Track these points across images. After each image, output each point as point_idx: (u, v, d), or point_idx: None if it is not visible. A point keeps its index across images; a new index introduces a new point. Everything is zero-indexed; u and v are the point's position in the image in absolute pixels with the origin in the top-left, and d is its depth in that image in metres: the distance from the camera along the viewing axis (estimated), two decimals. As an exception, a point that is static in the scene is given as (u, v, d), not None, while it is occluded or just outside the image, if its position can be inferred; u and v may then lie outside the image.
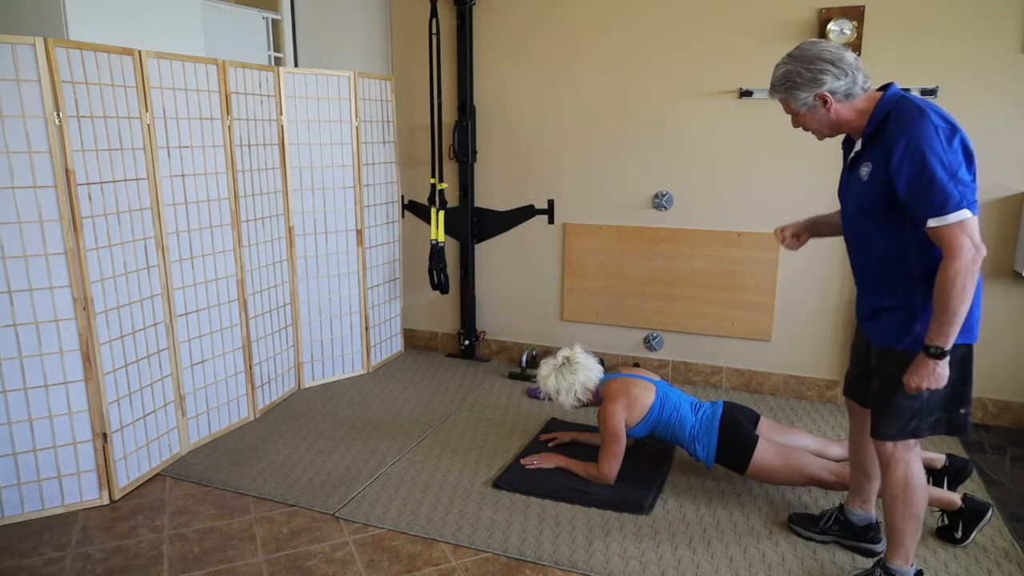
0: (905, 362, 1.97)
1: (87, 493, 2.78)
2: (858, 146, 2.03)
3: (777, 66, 2.02)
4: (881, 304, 2.07)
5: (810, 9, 3.45)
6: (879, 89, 1.99)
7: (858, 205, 2.05)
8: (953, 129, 1.85)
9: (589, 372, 2.93)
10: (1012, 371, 3.46)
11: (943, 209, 1.80)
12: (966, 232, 1.79)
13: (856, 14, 3.35)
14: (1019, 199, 3.31)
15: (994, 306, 3.36)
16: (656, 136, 3.85)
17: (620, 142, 3.94)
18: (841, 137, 2.17)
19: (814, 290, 3.70)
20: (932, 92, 3.31)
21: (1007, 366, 3.45)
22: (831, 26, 3.37)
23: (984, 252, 1.82)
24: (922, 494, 2.09)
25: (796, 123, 2.08)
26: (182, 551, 2.50)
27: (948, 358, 1.87)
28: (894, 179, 1.87)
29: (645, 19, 3.77)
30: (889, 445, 2.08)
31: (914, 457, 2.09)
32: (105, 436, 2.78)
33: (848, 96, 1.95)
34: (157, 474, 3.04)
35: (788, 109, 2.05)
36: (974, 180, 1.85)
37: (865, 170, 1.98)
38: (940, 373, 1.89)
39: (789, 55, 2.00)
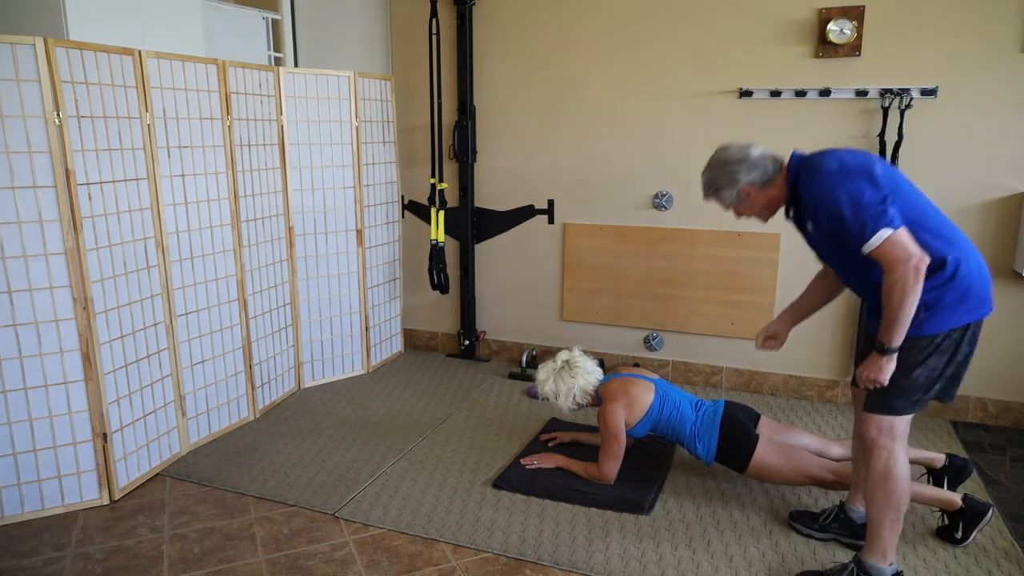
0: (909, 348, 2.06)
1: (87, 493, 2.78)
2: (792, 210, 2.24)
3: (701, 175, 2.30)
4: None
5: (810, 9, 3.45)
6: (789, 161, 2.21)
7: (824, 251, 2.25)
8: (852, 168, 2.03)
9: (588, 376, 2.93)
10: (1012, 371, 3.46)
11: (863, 235, 1.98)
12: (895, 246, 1.95)
13: (856, 14, 3.35)
14: (1019, 199, 3.31)
15: (994, 306, 3.35)
16: (656, 136, 3.85)
17: (620, 142, 3.94)
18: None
19: (814, 290, 3.70)
20: (932, 92, 3.31)
21: (1007, 366, 3.45)
22: (831, 26, 3.37)
23: (919, 259, 1.94)
24: (902, 486, 2.12)
25: (737, 215, 2.33)
26: (182, 551, 2.50)
27: (895, 355, 2.04)
28: (827, 225, 2.08)
29: (645, 19, 3.77)
30: (874, 429, 2.14)
31: (898, 448, 2.13)
32: (105, 436, 2.78)
33: (765, 183, 2.20)
34: (157, 474, 3.04)
35: (722, 206, 2.31)
36: (885, 200, 1.98)
37: (809, 226, 2.17)
38: (886, 368, 2.06)
39: (707, 165, 2.28)
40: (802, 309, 2.54)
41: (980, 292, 2.05)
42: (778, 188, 2.21)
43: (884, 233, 1.95)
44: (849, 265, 2.17)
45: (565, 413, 3.03)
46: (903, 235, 1.96)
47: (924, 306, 2.03)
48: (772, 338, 2.56)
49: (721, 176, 2.23)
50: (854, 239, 2.00)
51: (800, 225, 2.24)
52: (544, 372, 2.99)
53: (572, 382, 2.91)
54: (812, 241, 2.25)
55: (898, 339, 2.02)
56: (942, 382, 2.11)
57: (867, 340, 2.29)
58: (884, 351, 2.04)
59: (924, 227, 2.03)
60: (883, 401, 2.13)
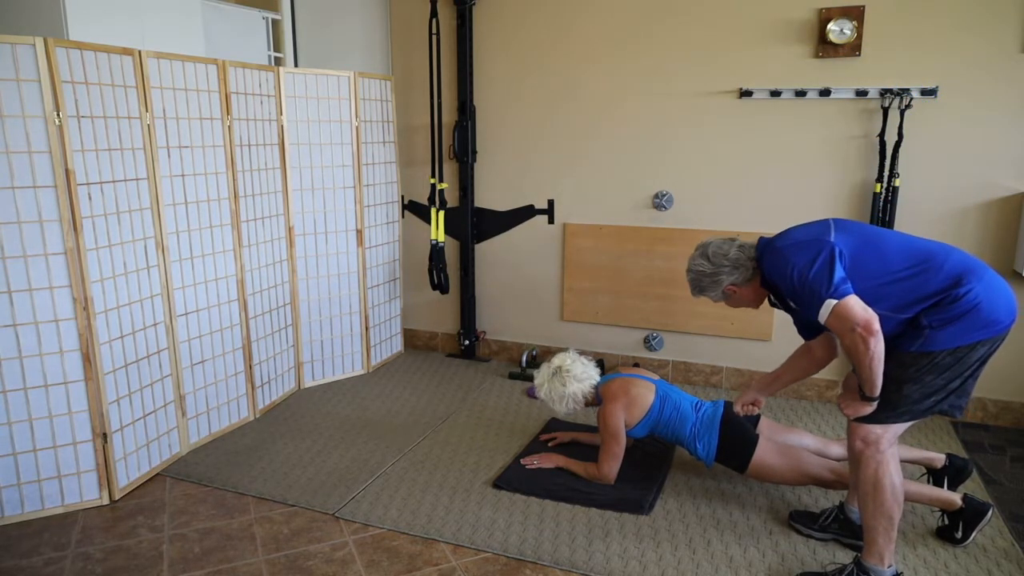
0: (906, 361, 2.08)
1: (87, 493, 2.78)
2: (771, 296, 2.38)
3: (686, 274, 2.44)
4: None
5: (810, 9, 3.45)
6: (756, 250, 2.33)
7: (812, 321, 2.25)
8: (795, 242, 2.16)
9: (582, 383, 2.92)
10: (1012, 371, 3.46)
11: (813, 307, 2.08)
12: (840, 315, 2.03)
13: (856, 14, 3.35)
14: (1019, 199, 3.31)
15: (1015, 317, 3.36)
16: (656, 136, 3.85)
17: (620, 142, 3.94)
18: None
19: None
20: (932, 92, 3.31)
21: (1007, 366, 3.45)
22: (831, 26, 3.37)
23: (870, 324, 1.99)
24: (893, 495, 2.13)
25: (729, 305, 2.45)
26: (182, 551, 2.50)
27: (875, 402, 2.12)
28: (792, 300, 2.21)
29: (645, 19, 3.76)
30: (860, 442, 2.16)
31: (887, 459, 2.14)
32: (105, 436, 2.78)
33: (747, 279, 2.33)
34: (157, 474, 3.03)
35: (714, 301, 2.45)
36: (832, 272, 2.05)
37: (791, 301, 2.26)
38: (863, 410, 2.15)
39: (689, 265, 2.42)
40: (781, 382, 2.61)
41: (992, 309, 2.03)
42: (757, 279, 2.33)
43: (829, 304, 2.03)
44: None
45: (562, 415, 3.03)
46: (849, 303, 2.02)
47: (928, 325, 2.04)
48: (752, 404, 2.67)
49: (704, 278, 2.37)
50: (812, 309, 2.09)
51: (784, 306, 2.34)
52: (540, 377, 3.00)
53: (563, 389, 2.91)
54: (795, 315, 2.36)
55: (876, 391, 2.09)
56: (944, 395, 2.10)
57: None
58: (865, 399, 2.13)
59: (906, 271, 2.07)
60: (873, 413, 2.14)
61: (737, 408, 2.68)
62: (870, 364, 2.03)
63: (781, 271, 2.17)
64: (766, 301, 2.43)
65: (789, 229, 2.27)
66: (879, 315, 2.03)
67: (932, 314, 2.04)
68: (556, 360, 3.00)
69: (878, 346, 2.01)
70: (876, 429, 2.13)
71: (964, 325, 2.03)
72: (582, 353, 3.42)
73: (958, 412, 2.16)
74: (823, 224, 2.20)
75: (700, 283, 2.39)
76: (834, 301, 2.02)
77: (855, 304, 2.02)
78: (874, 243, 2.14)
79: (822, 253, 2.08)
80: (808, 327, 2.44)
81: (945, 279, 2.05)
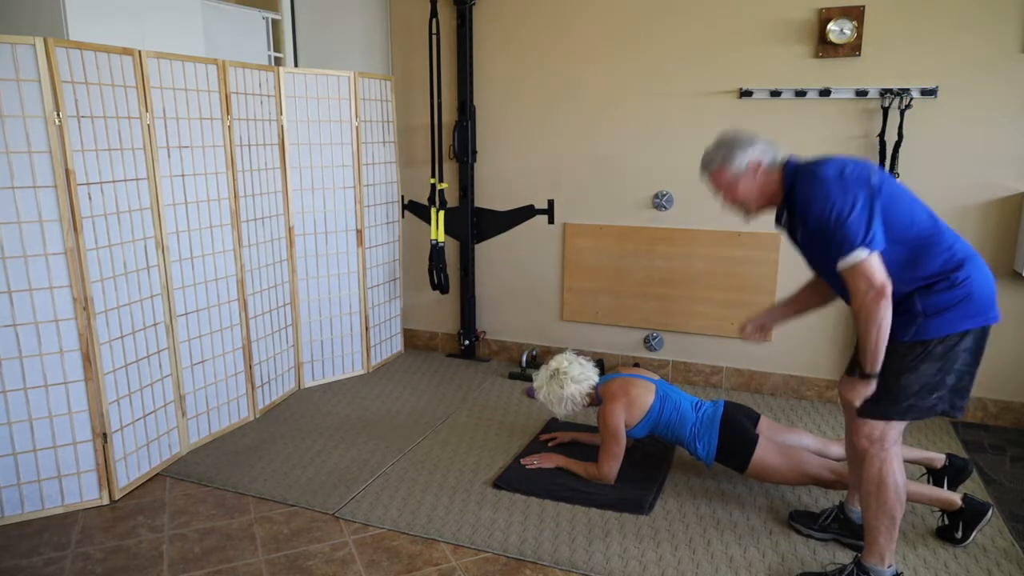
0: (901, 351, 2.06)
1: (87, 493, 2.78)
2: (784, 213, 2.20)
3: (706, 151, 2.23)
4: None
5: (810, 9, 3.45)
6: (781, 165, 2.18)
7: (816, 260, 2.22)
8: (849, 179, 2.01)
9: (579, 384, 2.91)
10: (1012, 371, 3.46)
11: (841, 251, 1.98)
12: (860, 275, 1.96)
13: (856, 14, 3.35)
14: (1019, 199, 3.31)
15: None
16: (656, 136, 3.85)
17: (620, 142, 3.94)
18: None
19: (814, 290, 3.70)
20: (932, 92, 3.31)
21: (1007, 366, 3.45)
22: (831, 26, 3.37)
23: (884, 291, 1.95)
24: (896, 494, 2.12)
25: (727, 197, 2.22)
26: (182, 551, 2.50)
27: (874, 380, 2.07)
28: (811, 231, 2.07)
29: (645, 19, 3.77)
30: (864, 440, 2.14)
31: (891, 457, 2.13)
32: (105, 436, 2.78)
33: (771, 167, 2.16)
34: (157, 474, 3.03)
35: (720, 183, 2.21)
36: (871, 220, 1.97)
37: (799, 232, 2.16)
38: (863, 391, 2.11)
39: (714, 142, 2.22)
40: (794, 308, 2.53)
41: (982, 299, 2.03)
42: (776, 185, 2.17)
43: (859, 254, 1.96)
44: (837, 276, 2.13)
45: (562, 418, 3.03)
46: (874, 261, 1.96)
47: (923, 312, 2.02)
48: (760, 329, 2.55)
49: (734, 146, 2.16)
50: (833, 252, 2.01)
51: (790, 231, 2.23)
52: (539, 380, 3.01)
53: (561, 392, 2.91)
54: (802, 248, 2.23)
55: (874, 366, 2.04)
56: (943, 392, 2.09)
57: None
58: (864, 376, 2.08)
59: (922, 236, 2.03)
60: (872, 407, 2.13)
61: (746, 330, 2.53)
62: (877, 332, 1.98)
63: (817, 202, 2.01)
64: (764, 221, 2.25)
65: (832, 156, 2.12)
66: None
67: (927, 298, 2.02)
68: (553, 362, 3.00)
69: (888, 313, 1.96)
70: (879, 425, 2.12)
71: (956, 313, 2.02)
72: (582, 353, 3.42)
73: (959, 412, 2.15)
74: (866, 165, 2.07)
75: (728, 148, 2.16)
76: (864, 253, 1.95)
77: (879, 264, 1.96)
78: (906, 197, 2.07)
79: (863, 198, 1.98)
80: (815, 260, 2.26)
81: (949, 260, 2.02)
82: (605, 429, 2.79)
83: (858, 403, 2.12)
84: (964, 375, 2.10)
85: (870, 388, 2.09)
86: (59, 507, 2.75)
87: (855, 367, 2.34)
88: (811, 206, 2.03)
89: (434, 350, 4.69)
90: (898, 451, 2.15)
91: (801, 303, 2.51)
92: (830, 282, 2.23)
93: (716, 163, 2.19)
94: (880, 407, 2.12)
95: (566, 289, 4.20)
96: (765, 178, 2.16)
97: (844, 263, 1.98)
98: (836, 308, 3.66)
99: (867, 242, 1.96)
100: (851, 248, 1.96)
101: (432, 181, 4.21)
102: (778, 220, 2.26)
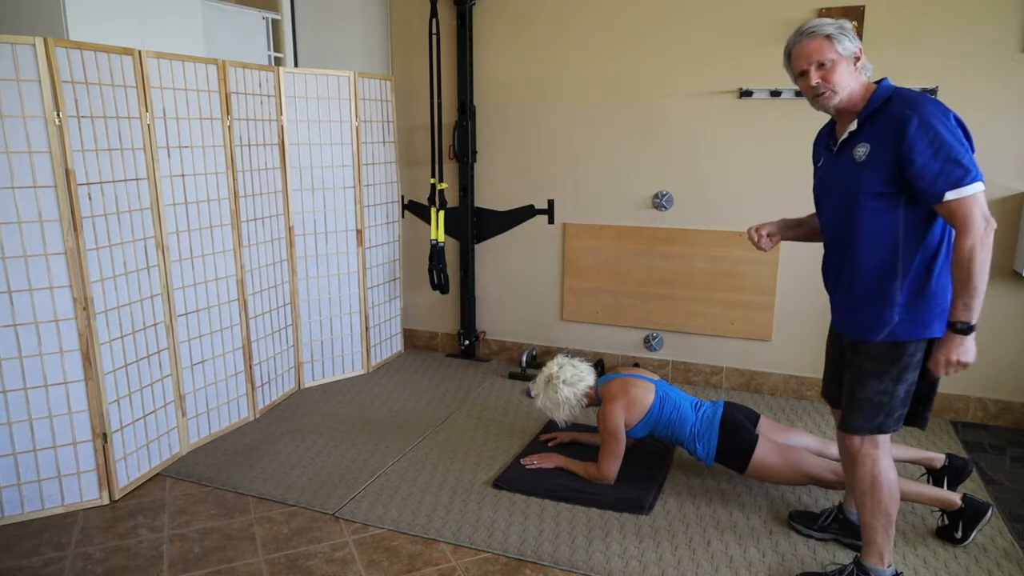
0: (877, 354, 2.02)
1: (87, 493, 2.78)
2: (853, 126, 2.03)
3: (819, 20, 2.05)
4: (860, 297, 2.06)
5: (810, 9, 3.45)
6: (873, 82, 2.05)
7: (847, 190, 2.04)
8: (950, 112, 1.91)
9: (574, 386, 2.91)
10: (1012, 371, 3.46)
11: (961, 182, 1.83)
12: (979, 205, 1.83)
13: (856, 14, 3.35)
14: (1019, 199, 3.31)
15: (994, 306, 3.36)
16: (656, 136, 3.85)
17: (620, 142, 3.94)
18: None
19: (814, 290, 3.69)
20: (932, 92, 3.31)
21: (1007, 366, 3.45)
22: (831, 26, 3.36)
23: (995, 225, 1.86)
24: (890, 491, 2.10)
25: (823, 75, 2.01)
26: (182, 551, 2.50)
27: (974, 333, 1.88)
28: (908, 154, 1.88)
29: (645, 19, 3.77)
30: (856, 440, 2.11)
31: (882, 455, 2.10)
32: (105, 436, 2.78)
33: (865, 69, 2.03)
34: (157, 474, 3.04)
35: (823, 54, 2.00)
36: (973, 155, 1.89)
37: (862, 151, 1.99)
38: (968, 348, 1.90)
39: (828, 19, 2.04)
40: (800, 230, 2.38)
41: (942, 301, 1.97)
42: (863, 90, 2.02)
43: (979, 186, 1.83)
44: (856, 213, 2.01)
45: (562, 422, 3.01)
46: (984, 197, 1.85)
47: (903, 303, 1.97)
48: (770, 236, 2.36)
49: (848, 30, 2.01)
50: (941, 182, 1.84)
51: (843, 148, 2.05)
52: (536, 388, 3.01)
53: (556, 397, 2.91)
54: (840, 173, 2.05)
55: (977, 312, 1.87)
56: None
57: (836, 343, 2.25)
58: (962, 329, 1.88)
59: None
60: (869, 421, 2.07)
61: (757, 233, 2.36)
62: (986, 269, 1.85)
63: (934, 122, 1.86)
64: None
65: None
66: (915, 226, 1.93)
67: (907, 288, 1.97)
68: (547, 368, 3.00)
69: (990, 253, 1.85)
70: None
71: (924, 310, 1.97)
72: (581, 353, 3.42)
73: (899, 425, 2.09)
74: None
75: (843, 26, 2.02)
76: (981, 186, 1.82)
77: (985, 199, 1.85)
78: None
79: (963, 132, 1.89)
80: (845, 198, 2.06)
81: (938, 239, 1.97)
82: (605, 429, 2.79)
83: (972, 360, 1.90)
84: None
85: (972, 344, 1.89)
86: (59, 507, 2.75)
87: (831, 385, 2.31)
88: (926, 128, 1.85)
89: (434, 350, 4.69)
90: (888, 449, 2.13)
91: (809, 226, 2.36)
92: (839, 222, 2.09)
93: (831, 30, 2.00)
94: (878, 420, 2.07)
95: (566, 289, 4.20)
96: (861, 77, 2.02)
97: (958, 193, 1.82)
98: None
99: (981, 177, 1.84)
100: (972, 179, 1.82)
101: (432, 181, 4.21)
102: (820, 140, 2.17)
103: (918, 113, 1.88)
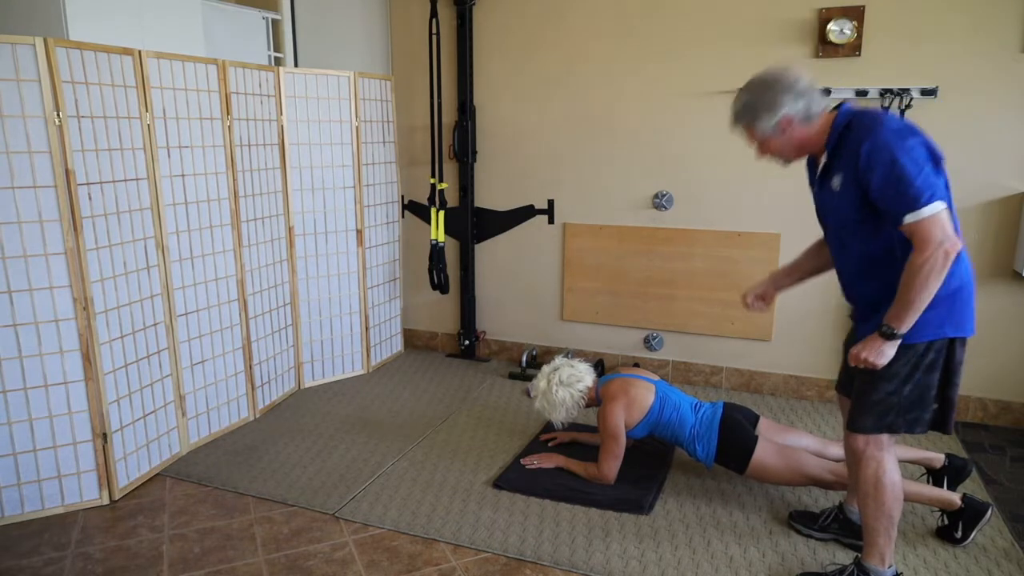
0: (897, 358, 2.00)
1: (87, 493, 2.78)
2: (824, 159, 2.07)
3: (735, 100, 2.09)
4: (870, 307, 2.08)
5: (810, 9, 3.45)
6: (832, 109, 2.06)
7: (837, 216, 2.09)
8: (913, 131, 1.91)
9: (571, 387, 2.91)
10: (1012, 371, 3.46)
11: (916, 203, 1.84)
12: (938, 226, 1.83)
13: (856, 14, 3.35)
14: (1019, 199, 3.31)
15: (994, 306, 3.36)
16: (656, 136, 3.85)
17: (620, 142, 3.94)
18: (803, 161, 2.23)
19: (814, 290, 3.70)
20: (932, 92, 3.31)
21: (1007, 366, 3.45)
22: (831, 26, 3.37)
23: (958, 245, 1.85)
24: (893, 494, 2.10)
25: (761, 152, 2.11)
26: (182, 551, 2.50)
27: (898, 341, 1.93)
28: (865, 180, 1.91)
29: (645, 19, 3.77)
30: (861, 441, 2.11)
31: (886, 457, 2.10)
32: (105, 436, 2.78)
33: (807, 118, 2.01)
34: (157, 474, 3.04)
35: (751, 138, 2.09)
36: (943, 181, 1.90)
37: (836, 180, 2.02)
38: (884, 352, 1.95)
39: (745, 87, 2.07)
40: (795, 274, 2.43)
41: (967, 302, 1.98)
42: (818, 131, 2.02)
43: (937, 206, 1.82)
44: (852, 237, 2.04)
45: (559, 423, 3.01)
46: (946, 215, 1.84)
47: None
48: (761, 299, 2.44)
49: (761, 100, 2.00)
50: (900, 204, 1.85)
51: (823, 182, 2.08)
52: (535, 389, 3.01)
53: (554, 397, 2.91)
54: (828, 200, 2.08)
55: (907, 324, 1.90)
56: (935, 403, 2.05)
57: (852, 330, 2.27)
58: (890, 335, 1.92)
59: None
60: (878, 421, 2.06)
61: (747, 299, 2.43)
62: (933, 288, 1.84)
63: (887, 146, 1.86)
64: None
65: (886, 111, 2.02)
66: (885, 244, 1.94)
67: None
68: (546, 368, 3.00)
69: (944, 273, 1.84)
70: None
71: (934, 314, 1.94)
72: (581, 353, 3.42)
73: (920, 429, 2.07)
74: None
75: (754, 105, 2.02)
76: (942, 206, 1.82)
77: (948, 218, 1.85)
78: None
79: (926, 151, 1.88)
80: (840, 220, 2.09)
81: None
82: (605, 429, 2.79)
83: (880, 362, 1.96)
84: (948, 387, 2.05)
85: (891, 351, 1.94)
86: (59, 507, 2.75)
87: (847, 379, 2.31)
88: (878, 153, 1.87)
89: (434, 350, 4.69)
90: (893, 451, 2.14)
91: (802, 269, 2.41)
92: (841, 244, 2.12)
93: (744, 120, 2.07)
94: (886, 419, 2.06)
95: (566, 289, 4.20)
96: (803, 129, 2.02)
97: (917, 216, 1.82)
98: (835, 308, 3.66)
99: (941, 196, 1.84)
100: (929, 200, 1.82)
101: (432, 181, 4.21)
102: (808, 166, 2.17)
103: (872, 138, 1.89)
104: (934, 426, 2.09)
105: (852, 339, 2.29)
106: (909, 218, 1.85)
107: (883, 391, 2.04)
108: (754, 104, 2.02)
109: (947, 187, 1.93)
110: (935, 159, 1.90)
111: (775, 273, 2.48)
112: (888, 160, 1.86)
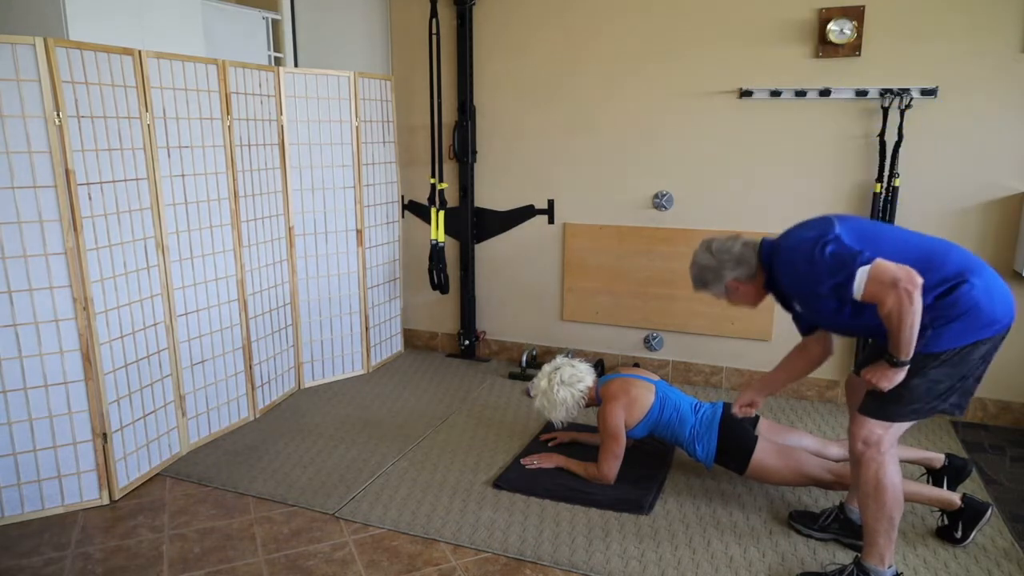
0: (915, 362, 2.05)
1: (87, 493, 2.78)
2: (776, 295, 2.36)
3: (689, 269, 2.43)
4: None
5: (810, 9, 3.45)
6: (760, 249, 2.31)
7: (825, 320, 2.30)
8: (801, 238, 2.15)
9: (571, 387, 2.91)
10: (1012, 371, 3.46)
11: (852, 279, 2.01)
12: (879, 278, 1.97)
13: (856, 14, 3.35)
14: (1019, 199, 3.31)
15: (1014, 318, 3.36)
16: (656, 136, 3.85)
17: (620, 142, 3.94)
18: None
19: (814, 290, 3.70)
20: (932, 92, 3.31)
21: (1007, 366, 3.44)
22: (831, 26, 3.37)
23: (916, 280, 1.93)
24: (894, 495, 2.12)
25: (729, 302, 2.44)
26: (182, 551, 2.50)
27: (906, 366, 2.05)
28: (813, 298, 2.16)
29: (645, 18, 3.77)
30: (860, 443, 2.14)
31: (888, 459, 2.13)
32: (105, 436, 2.78)
33: (750, 276, 2.31)
34: (157, 474, 3.04)
35: (715, 297, 2.43)
36: (851, 247, 2.04)
37: (798, 306, 2.30)
38: (891, 377, 2.06)
39: (693, 260, 2.41)
40: (781, 378, 2.58)
41: (989, 313, 2.03)
42: (759, 280, 2.32)
43: (862, 272, 1.99)
44: (850, 318, 2.16)
45: (558, 422, 3.01)
46: (881, 264, 1.98)
47: (930, 325, 2.03)
48: (749, 405, 2.62)
49: (708, 272, 2.35)
50: (842, 292, 2.05)
51: (786, 305, 2.36)
52: (535, 388, 3.01)
53: (554, 397, 2.91)
54: (804, 317, 2.35)
55: (907, 353, 2.01)
56: (949, 395, 2.10)
57: (875, 347, 2.31)
58: (895, 364, 2.04)
59: (914, 260, 2.02)
60: (878, 407, 2.13)
61: (735, 409, 2.65)
62: (912, 323, 1.95)
63: (796, 268, 2.15)
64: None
65: (790, 229, 2.26)
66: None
67: (931, 313, 2.02)
68: (547, 367, 3.00)
69: (919, 300, 1.94)
70: (877, 429, 2.12)
71: (964, 325, 2.02)
72: (581, 353, 3.42)
73: (959, 411, 2.15)
74: (824, 218, 2.19)
75: (703, 277, 2.37)
76: (866, 267, 1.98)
77: (888, 262, 1.98)
78: (873, 239, 2.10)
79: (831, 237, 2.07)
80: (823, 319, 2.34)
81: (943, 278, 2.03)
82: (605, 429, 2.79)
83: (886, 386, 2.06)
84: (971, 379, 2.11)
85: (899, 375, 2.05)
86: (59, 507, 2.75)
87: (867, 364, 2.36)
88: (794, 276, 2.18)
89: (434, 350, 4.69)
90: (894, 454, 2.15)
91: (788, 372, 2.57)
92: (845, 328, 2.32)
93: (700, 288, 2.42)
94: (886, 408, 2.11)
95: (566, 289, 4.20)
96: (749, 285, 2.33)
97: (857, 290, 2.00)
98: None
99: (859, 261, 2.00)
100: (850, 277, 2.00)
101: (432, 181, 4.21)
102: (776, 298, 2.39)
103: (791, 269, 2.18)
104: (946, 411, 2.16)
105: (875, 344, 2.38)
106: (856, 292, 2.01)
107: (900, 386, 2.08)
108: (703, 277, 2.38)
109: (889, 232, 2.19)
110: (836, 238, 2.07)
111: (757, 382, 2.64)
112: (804, 280, 2.13)
